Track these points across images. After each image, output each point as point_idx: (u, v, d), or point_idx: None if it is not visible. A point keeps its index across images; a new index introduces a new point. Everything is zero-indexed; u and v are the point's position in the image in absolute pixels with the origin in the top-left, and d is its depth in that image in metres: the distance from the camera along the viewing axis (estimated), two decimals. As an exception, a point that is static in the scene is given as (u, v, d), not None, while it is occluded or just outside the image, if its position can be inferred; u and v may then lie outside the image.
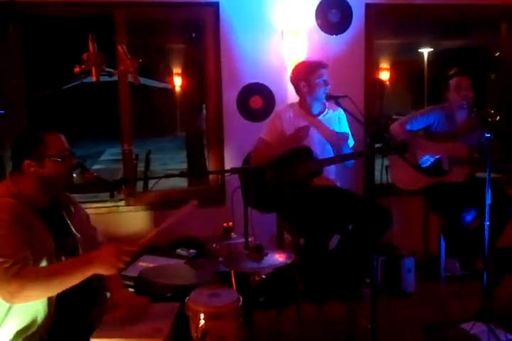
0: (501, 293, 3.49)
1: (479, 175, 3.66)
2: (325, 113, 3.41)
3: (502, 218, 3.46)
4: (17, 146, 2.09)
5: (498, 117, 5.07)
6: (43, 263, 1.97)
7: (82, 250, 2.19)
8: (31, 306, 1.95)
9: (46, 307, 1.98)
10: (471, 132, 3.62)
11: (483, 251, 3.02)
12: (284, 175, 3.25)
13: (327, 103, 3.39)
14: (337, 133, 3.28)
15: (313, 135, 3.31)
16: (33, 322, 1.97)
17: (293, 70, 3.45)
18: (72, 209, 2.25)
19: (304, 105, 3.40)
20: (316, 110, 3.40)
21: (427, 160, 3.58)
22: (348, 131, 3.44)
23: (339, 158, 3.34)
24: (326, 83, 3.27)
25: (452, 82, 3.64)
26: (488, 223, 3.01)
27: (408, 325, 3.31)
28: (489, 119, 3.22)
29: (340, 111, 3.37)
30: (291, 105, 3.47)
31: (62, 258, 2.08)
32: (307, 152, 3.25)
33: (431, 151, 3.59)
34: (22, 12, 3.73)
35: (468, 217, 3.41)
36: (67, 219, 2.19)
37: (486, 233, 3.01)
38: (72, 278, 1.88)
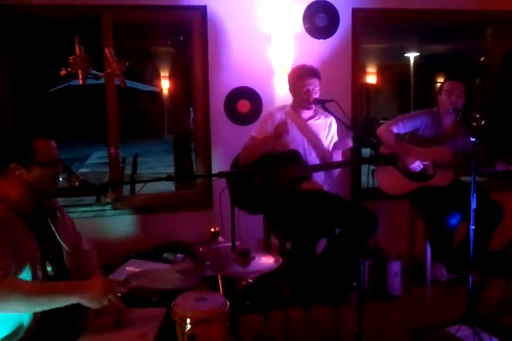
0: (487, 296, 3.52)
1: (464, 179, 3.69)
2: (316, 118, 3.42)
3: (488, 223, 3.49)
4: (4, 149, 2.08)
5: (483, 121, 5.12)
6: (27, 270, 1.95)
7: (66, 256, 2.17)
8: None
9: (32, 313, 1.96)
10: (456, 136, 3.65)
11: (473, 256, 3.06)
12: (272, 178, 3.25)
13: (319, 109, 3.40)
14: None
15: (300, 139, 3.32)
16: (19, 328, 1.95)
17: (288, 73, 3.47)
18: (58, 214, 2.23)
19: (295, 108, 3.41)
20: (305, 114, 3.42)
21: (417, 166, 3.60)
22: (336, 138, 3.46)
23: (328, 165, 3.35)
24: (307, 93, 3.28)
25: (445, 85, 3.66)
26: (473, 227, 3.04)
27: (394, 328, 3.33)
28: (474, 124, 3.24)
29: (332, 118, 3.38)
30: (284, 107, 3.47)
31: (47, 264, 2.07)
32: (296, 156, 3.26)
33: (416, 156, 3.61)
34: (9, 14, 3.72)
35: (453, 221, 3.43)
36: (52, 224, 2.17)
37: (471, 237, 3.05)
38: (54, 301, 1.87)
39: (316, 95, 3.28)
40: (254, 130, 3.41)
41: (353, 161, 3.18)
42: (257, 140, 3.33)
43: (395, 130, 3.71)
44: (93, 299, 1.90)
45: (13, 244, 1.92)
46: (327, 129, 3.43)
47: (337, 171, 3.42)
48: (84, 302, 1.90)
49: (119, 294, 2.04)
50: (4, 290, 1.79)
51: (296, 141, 3.31)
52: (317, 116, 3.42)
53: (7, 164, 2.03)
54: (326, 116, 3.41)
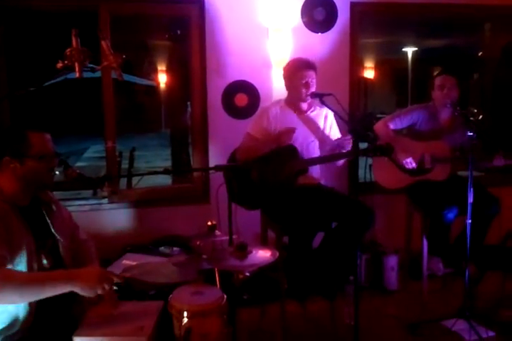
0: (483, 290, 3.53)
1: (461, 173, 3.69)
2: (311, 110, 3.42)
3: (485, 217, 3.50)
4: None
5: (481, 116, 5.13)
6: (22, 263, 1.95)
7: (62, 249, 2.17)
8: (12, 305, 1.92)
9: (27, 305, 1.96)
10: (454, 131, 3.65)
11: (469, 250, 3.07)
12: (269, 173, 3.25)
13: (314, 101, 3.39)
14: (341, 138, 3.27)
15: (299, 132, 3.32)
16: (15, 320, 1.95)
17: (284, 67, 3.46)
18: (54, 207, 2.22)
19: (290, 102, 3.40)
20: (301, 107, 3.41)
21: (409, 162, 3.60)
22: (336, 129, 3.46)
23: (324, 159, 3.35)
24: (306, 85, 3.27)
25: (437, 80, 3.66)
26: (470, 221, 3.05)
27: (390, 322, 3.34)
28: (472, 118, 3.24)
29: (327, 110, 3.38)
30: (278, 101, 3.46)
31: (42, 257, 2.06)
32: (292, 151, 3.25)
33: (413, 150, 3.61)
34: (8, 7, 3.69)
35: (450, 215, 3.44)
36: (48, 218, 2.16)
37: (468, 231, 3.05)
38: (49, 290, 1.86)
39: (313, 88, 3.28)
40: (249, 127, 3.41)
41: (349, 153, 3.18)
42: (252, 137, 3.33)
43: (392, 126, 3.71)
44: (86, 287, 1.89)
45: (8, 237, 1.91)
46: (323, 120, 3.43)
47: (341, 161, 3.42)
48: (77, 290, 1.88)
49: (115, 287, 2.04)
50: (1, 281, 1.79)
51: (294, 135, 3.31)
52: (312, 108, 3.42)
53: (1, 158, 2.02)
54: (320, 107, 3.41)
